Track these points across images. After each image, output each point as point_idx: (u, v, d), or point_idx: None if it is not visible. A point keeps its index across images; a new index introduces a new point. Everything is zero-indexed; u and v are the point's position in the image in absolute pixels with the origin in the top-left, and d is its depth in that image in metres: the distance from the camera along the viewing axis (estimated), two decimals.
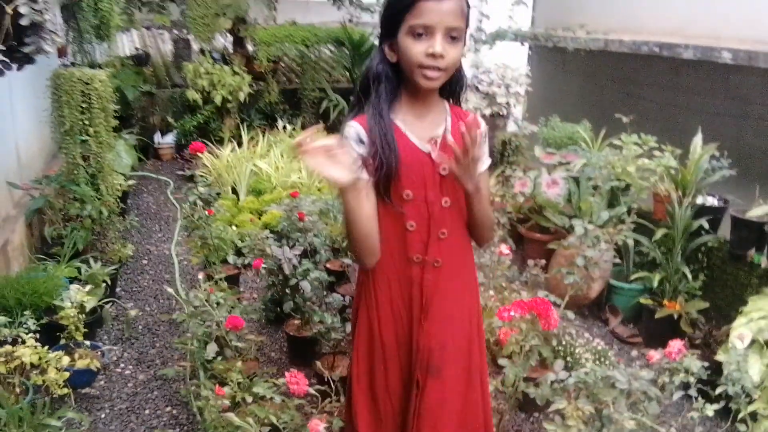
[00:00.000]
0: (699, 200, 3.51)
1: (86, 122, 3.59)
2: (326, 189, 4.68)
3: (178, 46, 7.49)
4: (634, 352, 3.27)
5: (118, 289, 3.81)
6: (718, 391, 2.49)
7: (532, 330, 2.45)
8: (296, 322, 3.14)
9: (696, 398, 2.37)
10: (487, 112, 5.36)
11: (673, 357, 2.33)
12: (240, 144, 5.76)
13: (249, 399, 2.29)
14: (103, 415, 2.78)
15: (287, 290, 3.01)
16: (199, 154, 3.76)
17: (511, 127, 5.52)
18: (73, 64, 3.99)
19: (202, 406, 2.33)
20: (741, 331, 2.79)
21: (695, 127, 3.66)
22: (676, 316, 3.30)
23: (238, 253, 3.81)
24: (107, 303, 3.34)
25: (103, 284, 3.34)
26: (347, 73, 7.31)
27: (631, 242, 3.58)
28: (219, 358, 2.63)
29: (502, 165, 4.92)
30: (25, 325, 2.71)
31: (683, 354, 2.33)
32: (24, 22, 2.10)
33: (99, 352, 2.95)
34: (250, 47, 6.73)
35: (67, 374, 2.53)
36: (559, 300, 2.91)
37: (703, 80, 4.62)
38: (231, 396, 2.32)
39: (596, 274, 3.05)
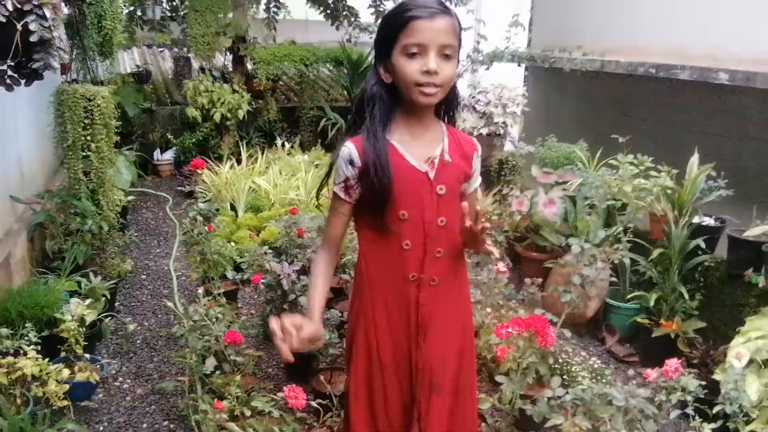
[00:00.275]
0: (695, 220, 3.54)
1: (88, 138, 3.62)
2: (324, 206, 4.70)
3: (178, 64, 7.56)
4: (631, 372, 3.28)
5: (117, 304, 3.82)
6: (716, 410, 2.50)
7: (530, 347, 2.47)
8: None
9: (693, 417, 2.38)
10: (484, 131, 5.42)
11: (669, 375, 2.34)
12: (239, 161, 5.79)
13: (248, 413, 2.29)
14: (101, 428, 2.78)
15: (285, 306, 3.02)
16: (199, 171, 3.78)
17: (508, 146, 5.57)
18: (75, 80, 4.03)
19: (200, 420, 2.34)
20: (738, 350, 2.80)
21: (692, 147, 3.70)
22: (673, 336, 3.31)
23: (237, 268, 3.82)
24: (106, 317, 3.34)
25: (103, 298, 3.35)
26: (345, 92, 7.38)
27: (627, 261, 3.61)
28: (217, 372, 2.64)
29: (499, 184, 4.96)
30: (26, 338, 2.72)
31: (680, 372, 2.35)
32: (33, 38, 2.13)
33: (98, 366, 2.95)
34: (249, 66, 6.79)
35: (66, 386, 2.52)
36: (556, 318, 2.93)
37: (700, 101, 4.67)
38: (230, 410, 2.33)
39: (593, 292, 3.08)
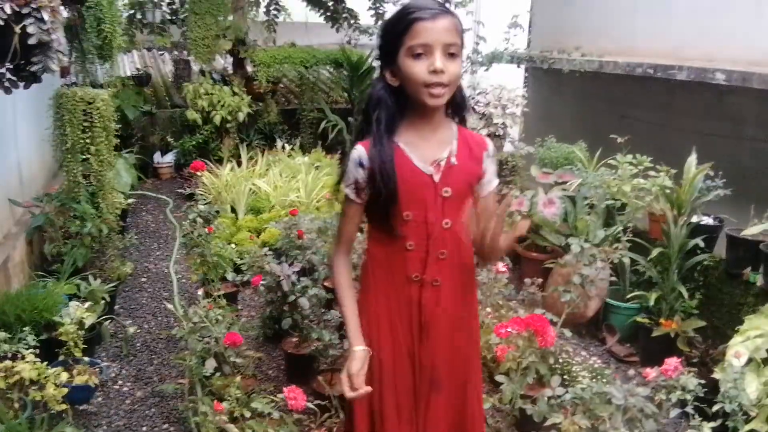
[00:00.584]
0: (694, 219, 3.54)
1: (88, 141, 3.64)
2: (324, 208, 4.71)
3: (178, 67, 7.56)
4: (631, 371, 3.27)
5: (116, 307, 3.82)
6: (715, 408, 2.51)
7: (529, 347, 2.47)
8: (294, 339, 3.15)
9: (693, 416, 2.39)
10: (484, 132, 5.41)
11: (669, 374, 2.35)
12: (239, 163, 5.80)
13: (247, 414, 2.30)
14: None
15: (285, 307, 3.03)
16: (199, 173, 3.79)
17: (508, 147, 5.57)
18: (75, 83, 4.04)
19: (200, 422, 2.34)
20: (737, 349, 2.81)
21: (689, 147, 3.70)
22: (672, 335, 3.31)
23: (237, 270, 3.83)
24: (106, 320, 3.34)
25: (102, 301, 3.35)
26: (345, 94, 7.39)
27: (627, 261, 3.61)
28: (217, 374, 2.64)
29: (499, 185, 4.95)
30: (24, 341, 2.72)
31: (680, 371, 2.35)
32: (32, 41, 2.13)
33: (97, 369, 2.94)
34: (249, 68, 6.80)
35: (65, 390, 2.52)
36: (556, 318, 2.93)
37: (698, 101, 4.68)
38: (229, 411, 2.33)
39: (593, 292, 3.08)
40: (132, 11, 6.90)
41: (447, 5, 1.64)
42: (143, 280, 4.30)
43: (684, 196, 3.51)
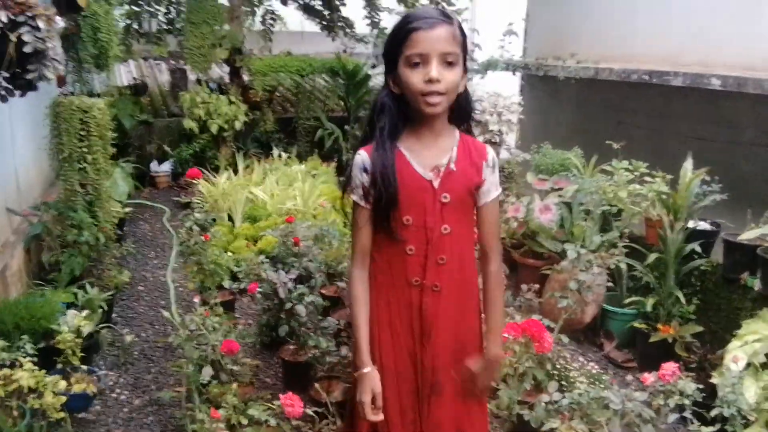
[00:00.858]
0: (691, 224, 3.54)
1: (84, 150, 3.64)
2: (321, 215, 4.72)
3: (175, 76, 7.58)
4: (629, 377, 3.28)
5: (114, 315, 3.81)
6: (714, 413, 2.50)
7: (526, 353, 2.47)
8: (291, 347, 3.14)
9: (691, 421, 2.38)
10: (480, 139, 5.42)
11: (667, 379, 2.35)
12: (236, 172, 5.80)
13: (244, 422, 2.29)
14: None
15: (282, 315, 3.02)
16: (195, 181, 3.80)
17: (504, 154, 5.59)
18: (72, 93, 4.05)
19: (197, 430, 2.33)
20: (736, 353, 2.80)
21: (686, 153, 3.71)
22: (670, 340, 3.31)
23: (234, 278, 3.82)
24: (103, 328, 3.34)
25: (100, 310, 3.35)
26: (342, 103, 7.41)
27: (624, 267, 3.61)
28: (214, 381, 2.63)
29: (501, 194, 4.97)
30: (22, 349, 2.71)
31: (677, 376, 2.35)
32: (27, 49, 2.14)
33: (95, 377, 2.94)
34: (245, 77, 6.82)
35: (63, 398, 2.51)
36: (553, 324, 2.93)
37: (693, 107, 4.70)
38: (226, 419, 2.32)
39: (589, 298, 3.08)
40: (129, 21, 6.92)
41: (447, 13, 1.65)
42: (140, 288, 4.29)
43: (680, 201, 3.52)
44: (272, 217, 4.86)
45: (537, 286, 3.39)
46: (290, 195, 5.17)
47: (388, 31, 7.00)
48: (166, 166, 6.77)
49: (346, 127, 6.95)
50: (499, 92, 5.37)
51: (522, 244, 4.31)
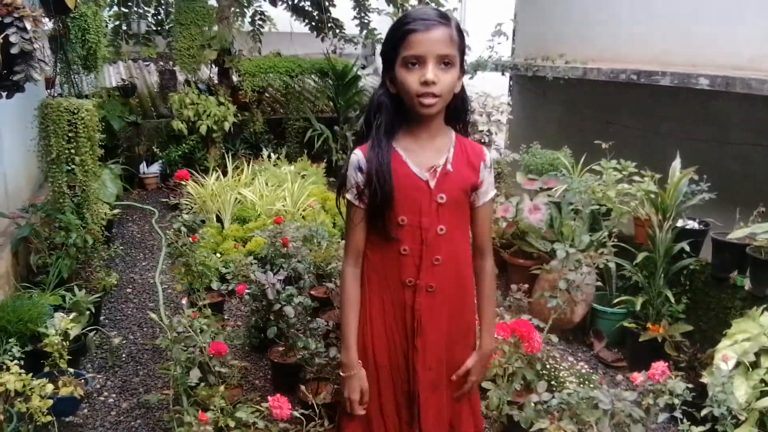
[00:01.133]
0: (679, 223, 3.56)
1: (72, 151, 3.61)
2: (310, 216, 4.70)
3: (164, 77, 7.55)
4: (619, 377, 3.28)
5: (102, 318, 3.78)
6: (704, 412, 2.51)
7: (516, 353, 2.47)
8: (280, 348, 3.13)
9: (681, 420, 2.39)
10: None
11: (656, 379, 2.35)
12: (225, 173, 5.78)
13: (232, 424, 2.28)
14: None
15: (271, 316, 3.01)
16: (184, 182, 3.77)
17: (493, 154, 5.59)
18: (60, 94, 4.02)
19: None
20: (725, 352, 2.81)
21: (674, 152, 3.73)
22: (660, 340, 3.32)
23: (223, 279, 3.81)
24: (91, 331, 3.31)
25: (87, 312, 3.32)
26: (331, 103, 7.40)
27: (613, 266, 3.62)
28: (202, 384, 2.62)
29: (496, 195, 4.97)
30: (9, 353, 2.70)
31: (667, 375, 2.36)
32: (14, 50, 2.13)
33: (83, 380, 2.91)
34: (235, 78, 6.80)
35: (50, 402, 2.49)
36: (543, 324, 2.93)
37: (682, 107, 4.72)
38: (214, 421, 2.31)
39: (579, 297, 3.09)
40: (117, 22, 6.88)
41: (446, 14, 1.64)
42: (129, 290, 4.26)
43: (669, 200, 3.53)
44: (261, 218, 4.84)
45: (526, 285, 3.39)
46: (279, 196, 5.16)
47: (377, 31, 7.03)
48: (155, 168, 6.73)
49: (336, 127, 6.94)
50: (488, 92, 5.37)
51: (511, 244, 4.32)
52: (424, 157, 1.70)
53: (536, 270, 3.88)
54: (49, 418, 2.46)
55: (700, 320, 3.48)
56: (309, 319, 3.00)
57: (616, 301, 3.66)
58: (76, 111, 3.60)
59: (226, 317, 3.82)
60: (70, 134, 3.59)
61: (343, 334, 1.79)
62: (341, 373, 1.80)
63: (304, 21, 7.23)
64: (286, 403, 2.08)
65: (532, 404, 2.36)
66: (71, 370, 2.89)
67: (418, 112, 1.64)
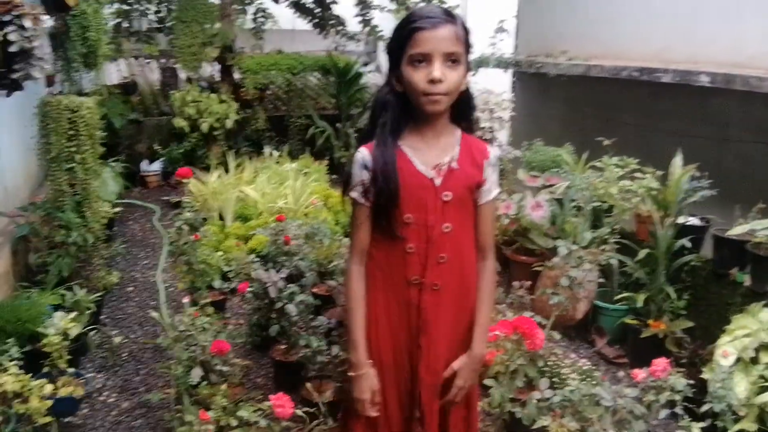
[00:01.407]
0: (681, 220, 3.55)
1: (73, 149, 3.60)
2: (312, 214, 4.70)
3: (165, 75, 7.54)
4: (621, 373, 3.26)
5: (102, 317, 3.78)
6: (704, 408, 2.51)
7: (518, 350, 2.46)
8: (282, 347, 3.13)
9: (682, 416, 2.38)
10: None
11: (658, 375, 2.34)
12: (227, 170, 5.78)
13: (234, 423, 2.27)
14: None
15: (273, 314, 3.01)
16: (185, 180, 3.76)
17: (495, 151, 5.58)
18: (60, 92, 4.01)
19: None
20: (725, 348, 2.81)
21: (675, 149, 3.72)
22: (661, 336, 3.32)
23: (225, 278, 3.80)
24: (91, 330, 3.31)
25: (88, 311, 3.32)
26: (333, 100, 7.38)
27: (615, 263, 3.61)
28: (204, 383, 2.61)
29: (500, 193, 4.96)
30: (8, 353, 2.69)
31: (668, 372, 2.35)
32: (13, 48, 2.12)
33: (82, 380, 2.91)
34: (237, 75, 6.78)
35: (49, 403, 2.48)
36: (545, 321, 2.92)
37: (683, 104, 4.71)
38: (216, 420, 2.30)
39: (581, 294, 3.08)
40: (118, 19, 6.87)
41: (451, 11, 1.64)
42: (130, 289, 4.26)
43: (670, 197, 3.52)
44: (263, 216, 4.84)
45: (529, 283, 3.38)
46: (281, 193, 5.15)
47: (379, 29, 7.02)
48: (157, 166, 6.73)
49: (338, 125, 6.93)
50: (490, 89, 5.36)
51: (513, 241, 4.31)
52: (430, 155, 1.70)
53: (538, 267, 3.87)
54: (48, 418, 2.47)
55: (700, 316, 3.47)
56: (311, 317, 2.99)
57: (617, 297, 3.65)
58: (76, 109, 3.59)
59: (227, 315, 3.82)
60: (70, 132, 3.58)
61: (350, 333, 1.78)
62: (350, 373, 1.79)
63: (306, 18, 7.21)
64: (289, 401, 2.08)
65: (534, 401, 2.35)
66: (71, 369, 2.88)
67: (425, 110, 1.64)
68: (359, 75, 7.25)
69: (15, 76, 2.22)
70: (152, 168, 6.72)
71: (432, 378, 1.78)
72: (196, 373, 2.56)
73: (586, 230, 3.79)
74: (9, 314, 2.93)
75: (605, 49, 5.35)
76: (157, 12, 7.08)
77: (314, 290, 3.45)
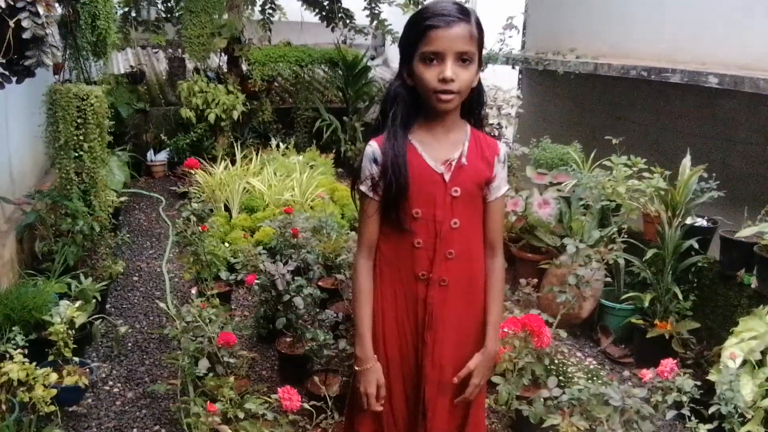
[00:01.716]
0: (688, 221, 3.54)
1: (81, 138, 3.59)
2: (319, 207, 4.69)
3: (172, 65, 7.52)
4: (626, 372, 3.26)
5: (107, 306, 3.78)
6: (711, 410, 2.50)
7: (525, 348, 2.46)
8: (288, 339, 3.13)
9: (689, 417, 2.38)
10: None
11: (665, 375, 2.34)
12: (233, 162, 5.77)
13: (241, 415, 2.27)
14: None
15: (280, 307, 3.01)
16: (192, 171, 3.76)
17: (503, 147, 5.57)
18: (68, 80, 4.00)
19: (193, 423, 2.31)
20: (732, 350, 2.81)
21: (683, 149, 3.71)
22: (667, 336, 3.31)
23: (231, 269, 3.80)
24: (97, 319, 3.30)
25: (93, 300, 3.31)
26: (340, 94, 7.37)
27: (622, 262, 3.60)
28: (210, 374, 2.61)
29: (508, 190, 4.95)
30: (13, 341, 2.68)
31: (675, 372, 2.35)
32: (26, 35, 2.11)
33: (87, 370, 2.90)
34: (244, 67, 6.76)
35: (54, 391, 2.48)
36: (551, 319, 2.92)
37: (691, 104, 4.70)
38: (222, 412, 2.30)
39: (588, 293, 3.07)
40: (127, 8, 6.85)
41: (466, 8, 1.61)
42: (135, 279, 4.26)
43: (678, 197, 3.51)
44: (270, 208, 4.83)
45: (536, 280, 3.38)
46: (288, 186, 5.14)
47: (388, 22, 6.98)
48: (163, 156, 6.72)
49: (345, 118, 6.92)
50: (498, 86, 5.34)
51: (520, 238, 4.30)
52: (440, 150, 1.69)
53: (545, 265, 3.86)
54: (52, 408, 2.46)
55: (707, 318, 3.47)
56: (318, 310, 2.99)
57: (624, 297, 3.64)
58: (85, 97, 3.58)
59: (233, 307, 3.82)
60: (78, 120, 3.57)
61: (357, 326, 1.78)
62: (356, 367, 1.79)
63: (314, 11, 7.19)
64: (296, 394, 2.08)
65: (542, 399, 2.35)
66: (76, 359, 2.87)
67: (435, 107, 1.63)
68: (367, 69, 7.23)
69: (27, 63, 2.21)
70: (158, 158, 6.72)
71: (437, 374, 1.77)
72: (203, 365, 2.56)
73: (593, 229, 3.79)
74: (15, 302, 2.92)
75: (613, 47, 5.33)
76: (165, 2, 7.06)
77: (320, 283, 3.45)
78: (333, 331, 2.93)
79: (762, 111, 4.10)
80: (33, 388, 2.44)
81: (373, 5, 6.91)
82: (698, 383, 2.41)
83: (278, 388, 2.11)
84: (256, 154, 5.89)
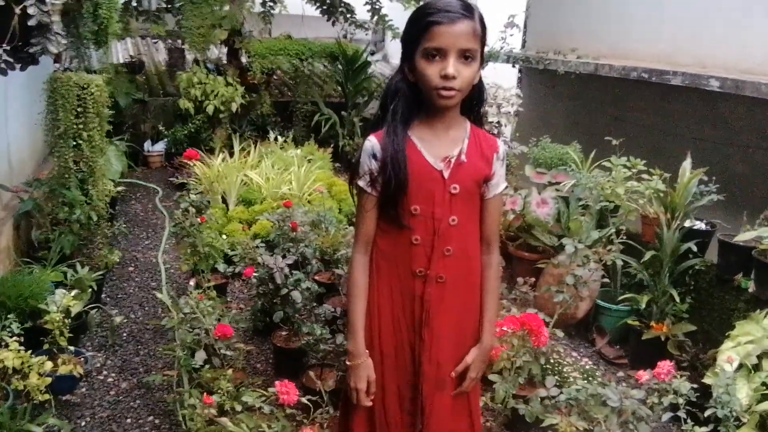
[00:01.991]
0: (687, 223, 3.54)
1: (80, 126, 3.58)
2: (316, 201, 4.68)
3: (172, 56, 7.50)
4: (621, 374, 3.29)
5: (103, 296, 3.77)
6: (707, 413, 2.50)
7: (523, 347, 2.46)
8: (284, 333, 3.12)
9: (685, 420, 2.38)
10: None
11: (662, 377, 2.34)
12: (231, 154, 5.75)
13: (239, 408, 2.26)
14: (83, 423, 2.73)
15: (277, 300, 3.00)
16: (192, 163, 3.74)
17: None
18: (68, 69, 3.98)
19: (188, 415, 2.31)
20: (729, 354, 2.81)
21: (683, 152, 3.71)
22: (663, 339, 3.32)
23: (228, 261, 3.79)
24: (92, 309, 3.29)
25: (89, 290, 3.30)
26: (340, 88, 7.36)
27: (619, 263, 3.61)
28: (206, 366, 2.60)
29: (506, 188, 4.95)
30: (8, 329, 2.67)
31: (672, 375, 2.35)
32: (32, 22, 2.10)
33: (82, 359, 2.90)
34: (244, 59, 6.74)
35: (48, 380, 2.47)
36: (548, 318, 2.92)
37: (691, 107, 4.69)
38: (219, 405, 2.30)
39: (584, 293, 3.08)
40: None
41: (469, 4, 1.60)
42: (131, 269, 4.25)
43: (678, 200, 3.51)
44: (267, 201, 4.82)
45: (533, 279, 3.38)
46: (285, 179, 5.13)
47: (388, 17, 6.96)
48: (160, 146, 6.70)
49: (344, 113, 6.90)
50: (498, 84, 5.34)
51: (517, 237, 4.30)
52: (439, 147, 1.69)
53: (541, 264, 3.86)
54: (46, 396, 2.45)
55: (703, 321, 3.47)
56: (314, 304, 2.98)
57: (620, 298, 3.65)
58: (85, 86, 3.57)
59: (229, 299, 3.81)
60: (78, 109, 3.56)
61: (351, 321, 1.77)
62: (347, 362, 1.79)
63: (315, 4, 7.17)
64: (293, 388, 2.07)
65: (539, 399, 2.35)
66: (71, 348, 2.88)
67: (436, 104, 1.62)
68: (367, 64, 7.22)
69: (32, 50, 2.20)
70: (155, 148, 6.69)
71: (434, 370, 1.77)
72: (200, 357, 2.56)
73: (591, 229, 3.79)
74: (10, 290, 2.91)
75: (612, 47, 5.33)
76: None
77: (317, 278, 3.44)
78: (329, 325, 2.93)
79: (762, 115, 4.10)
80: (28, 377, 2.44)
81: (373, 0, 6.90)
82: (694, 386, 2.41)
83: (276, 382, 2.11)
84: (254, 147, 5.87)
